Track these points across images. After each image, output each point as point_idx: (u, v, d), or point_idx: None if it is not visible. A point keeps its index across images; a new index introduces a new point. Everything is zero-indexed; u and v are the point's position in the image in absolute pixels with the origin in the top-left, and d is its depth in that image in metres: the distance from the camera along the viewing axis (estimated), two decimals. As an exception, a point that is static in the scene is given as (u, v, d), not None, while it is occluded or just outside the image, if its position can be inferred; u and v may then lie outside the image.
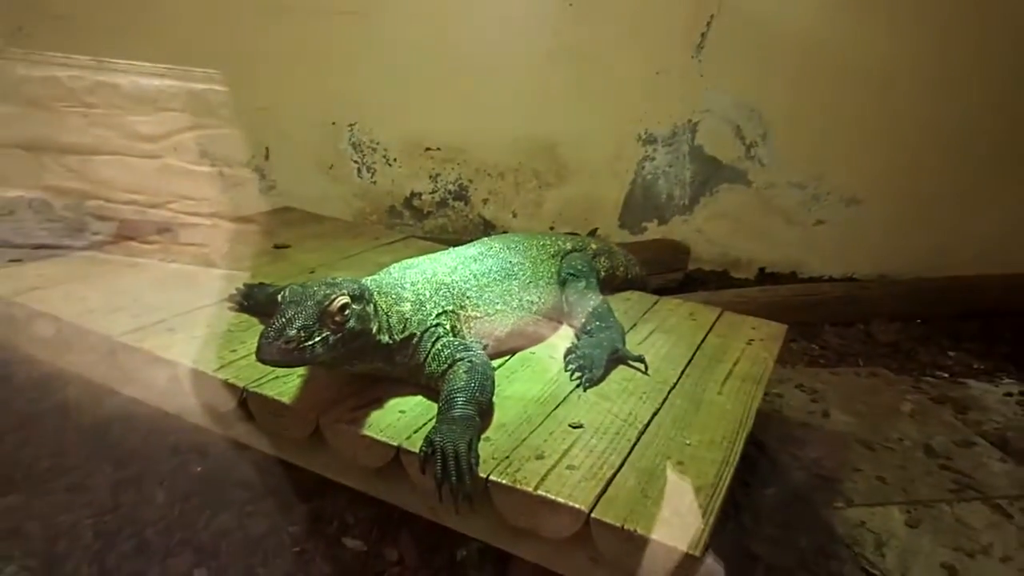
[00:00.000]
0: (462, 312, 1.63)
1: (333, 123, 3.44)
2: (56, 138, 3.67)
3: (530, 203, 3.68)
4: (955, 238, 3.83)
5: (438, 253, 1.84)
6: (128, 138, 3.64)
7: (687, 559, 1.13)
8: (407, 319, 1.50)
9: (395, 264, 1.71)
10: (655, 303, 2.23)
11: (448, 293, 1.62)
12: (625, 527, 1.18)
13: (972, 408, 2.66)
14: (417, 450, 1.31)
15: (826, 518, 1.98)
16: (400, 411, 1.46)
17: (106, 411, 1.94)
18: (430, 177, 3.59)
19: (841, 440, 2.37)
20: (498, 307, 1.71)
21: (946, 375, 2.94)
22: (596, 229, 3.71)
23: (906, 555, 1.85)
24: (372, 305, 1.39)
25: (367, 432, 1.38)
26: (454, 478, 1.26)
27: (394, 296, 1.52)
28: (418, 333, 1.51)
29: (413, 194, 3.62)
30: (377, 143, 3.51)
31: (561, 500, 1.23)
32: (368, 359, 1.42)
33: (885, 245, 3.85)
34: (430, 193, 3.63)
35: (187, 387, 1.58)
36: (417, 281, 1.60)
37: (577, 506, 1.21)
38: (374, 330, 1.38)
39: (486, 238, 2.02)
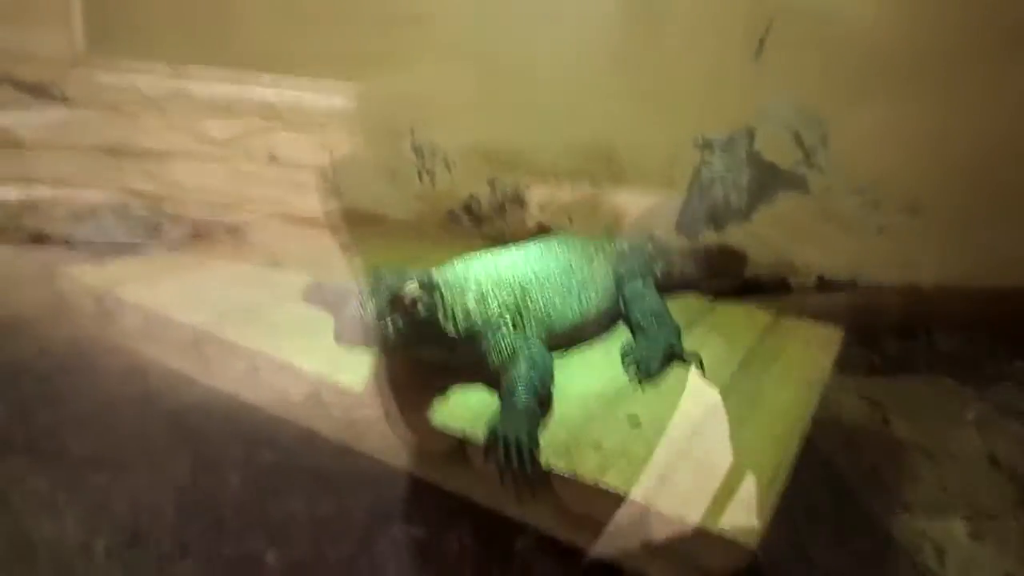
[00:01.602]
0: (523, 307, 1.69)
1: (395, 128, 3.54)
2: (134, 142, 3.87)
3: (586, 207, 3.72)
4: (1021, 245, 3.72)
5: (501, 250, 1.90)
6: (201, 142, 3.82)
7: (741, 551, 1.16)
8: (470, 312, 1.56)
9: (460, 260, 1.77)
10: (711, 305, 2.25)
11: (510, 288, 1.68)
12: (684, 519, 1.22)
13: (1040, 419, 2.60)
14: (481, 439, 1.37)
15: (884, 525, 1.96)
16: (464, 400, 1.52)
17: (186, 398, 2.04)
18: (488, 182, 3.66)
19: (901, 448, 2.34)
20: (557, 304, 1.76)
21: (1011, 384, 2.86)
22: (653, 233, 3.73)
23: (968, 565, 1.83)
24: (440, 296, 1.46)
25: (432, 420, 1.44)
26: (516, 466, 1.31)
27: (459, 290, 1.58)
28: (481, 326, 1.57)
29: (472, 198, 3.69)
30: (437, 148, 3.60)
31: (620, 490, 1.27)
32: (434, 347, 1.48)
33: (948, 252, 3.76)
34: (488, 198, 3.70)
35: (264, 376, 1.67)
36: (480, 276, 1.66)
37: (635, 498, 1.25)
38: (440, 320, 1.44)
39: (547, 237, 2.07)
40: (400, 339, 1.36)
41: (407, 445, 1.49)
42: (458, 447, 1.42)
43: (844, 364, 2.82)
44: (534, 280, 1.74)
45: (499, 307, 1.61)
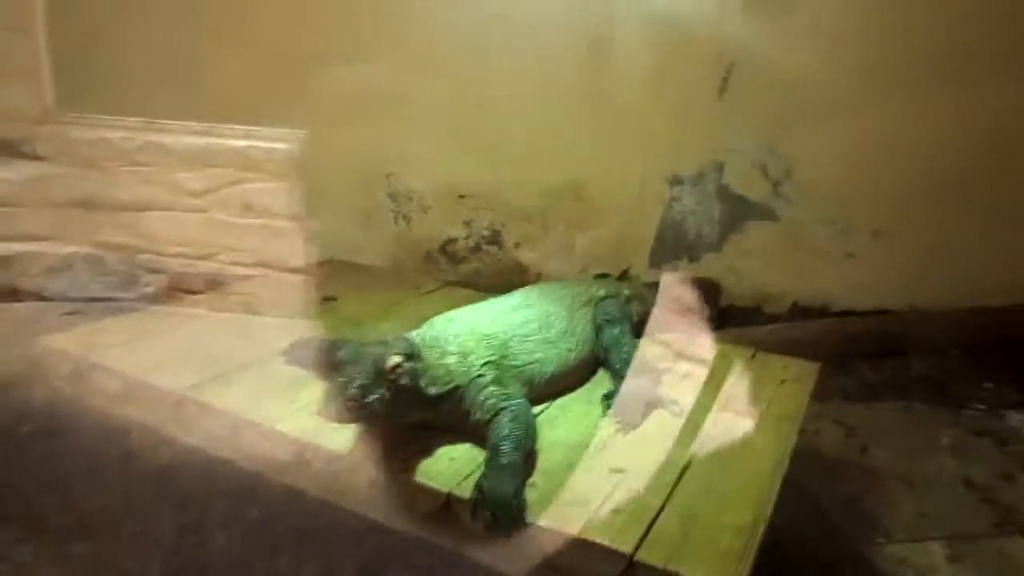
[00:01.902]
0: (504, 362, 1.71)
1: (370, 174, 3.59)
2: (109, 196, 3.87)
3: (561, 245, 3.77)
4: (986, 267, 3.83)
5: (479, 304, 1.93)
6: (176, 194, 3.82)
7: (728, 599, 1.19)
8: (452, 371, 1.58)
9: (439, 317, 1.80)
10: (687, 345, 2.29)
11: (490, 344, 1.71)
12: (668, 568, 1.24)
13: (1012, 440, 2.66)
14: (467, 496, 1.39)
15: (867, 555, 2.01)
16: (450, 458, 1.54)
17: (168, 459, 2.03)
18: (464, 223, 3.71)
19: (880, 476, 2.39)
20: (538, 356, 1.79)
21: (983, 407, 2.94)
22: (628, 269, 3.79)
23: (949, 591, 1.87)
24: (421, 361, 1.48)
25: (419, 479, 1.46)
26: (504, 523, 1.33)
27: (439, 350, 1.61)
28: (463, 384, 1.59)
29: (448, 240, 3.73)
30: (413, 192, 3.65)
31: (606, 543, 1.29)
32: (418, 410, 1.50)
33: (916, 276, 3.86)
34: (464, 239, 3.74)
35: (247, 437, 1.68)
36: (460, 333, 1.69)
37: (621, 549, 1.28)
38: (423, 385, 1.47)
39: (524, 288, 2.11)
40: (385, 409, 1.38)
41: (394, 505, 1.50)
42: (445, 504, 1.44)
43: (821, 392, 2.87)
44: (514, 333, 1.78)
45: (480, 364, 1.64)
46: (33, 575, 1.80)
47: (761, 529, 1.37)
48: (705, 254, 3.88)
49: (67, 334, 2.16)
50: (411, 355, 1.44)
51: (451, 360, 1.60)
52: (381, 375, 1.36)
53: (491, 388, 1.61)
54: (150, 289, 3.84)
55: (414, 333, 1.66)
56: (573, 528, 1.33)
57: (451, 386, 1.57)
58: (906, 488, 2.34)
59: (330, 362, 1.83)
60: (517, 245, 3.79)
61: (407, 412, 1.47)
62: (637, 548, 1.29)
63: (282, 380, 1.87)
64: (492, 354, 1.69)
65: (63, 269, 3.80)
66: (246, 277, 3.73)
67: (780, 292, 3.92)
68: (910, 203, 3.72)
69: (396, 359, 1.38)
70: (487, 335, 1.73)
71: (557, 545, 1.34)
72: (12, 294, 3.64)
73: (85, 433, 2.14)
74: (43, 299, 3.69)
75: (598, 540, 1.30)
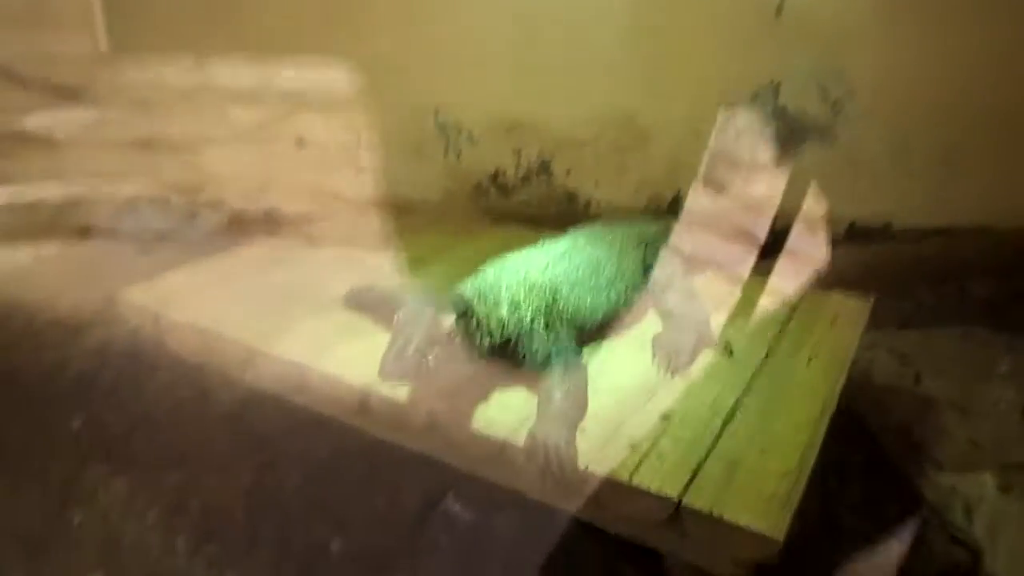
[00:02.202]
0: (554, 310, 1.76)
1: (420, 106, 3.59)
2: (165, 135, 3.98)
3: (612, 172, 3.74)
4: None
5: (529, 250, 1.97)
6: (230, 130, 3.92)
7: (768, 544, 1.26)
8: (505, 322, 1.64)
9: (490, 266, 1.85)
10: (737, 284, 2.30)
11: (541, 292, 1.75)
12: (713, 513, 1.31)
13: (1073, 366, 2.62)
14: (520, 443, 1.47)
15: (915, 484, 2.04)
16: (504, 405, 1.62)
17: (241, 401, 2.18)
18: (513, 153, 3.70)
19: (932, 404, 2.40)
20: (588, 302, 1.83)
21: (1046, 332, 2.88)
22: (679, 192, 3.75)
23: (996, 521, 1.90)
24: (474, 317, 1.54)
25: (475, 426, 1.55)
26: (555, 469, 1.41)
27: (492, 301, 1.66)
28: (514, 333, 1.65)
29: (498, 171, 3.74)
30: (462, 124, 3.65)
31: (653, 489, 1.36)
32: (473, 363, 1.57)
33: (980, 196, 3.72)
34: (514, 169, 3.74)
35: (314, 384, 1.79)
36: (512, 283, 1.74)
37: (668, 494, 1.35)
38: (476, 340, 1.53)
39: (572, 232, 2.13)
40: (441, 366, 1.45)
41: (451, 450, 1.60)
42: (501, 449, 1.52)
43: (877, 319, 2.85)
44: (564, 281, 1.81)
45: (532, 312, 1.69)
46: (130, 505, 1.98)
47: (806, 474, 1.41)
48: (760, 175, 3.80)
49: (141, 284, 2.28)
50: (463, 314, 1.50)
51: (503, 311, 1.65)
52: (437, 336, 1.43)
53: (543, 338, 1.66)
54: (212, 225, 4.00)
55: (467, 284, 1.72)
56: (622, 474, 1.40)
57: (503, 336, 1.63)
58: (959, 417, 2.34)
59: (387, 310, 1.92)
60: (567, 173, 3.77)
61: (463, 362, 1.54)
62: (683, 493, 1.36)
63: (344, 327, 1.96)
64: (543, 303, 1.74)
65: (129, 209, 3.96)
66: (303, 211, 3.84)
67: (838, 213, 3.84)
68: (976, 122, 3.54)
69: (451, 320, 1.44)
70: (538, 284, 1.77)
71: (607, 490, 1.41)
72: (83, 233, 3.84)
73: (163, 376, 2.30)
74: (112, 238, 3.89)
75: (645, 486, 1.37)
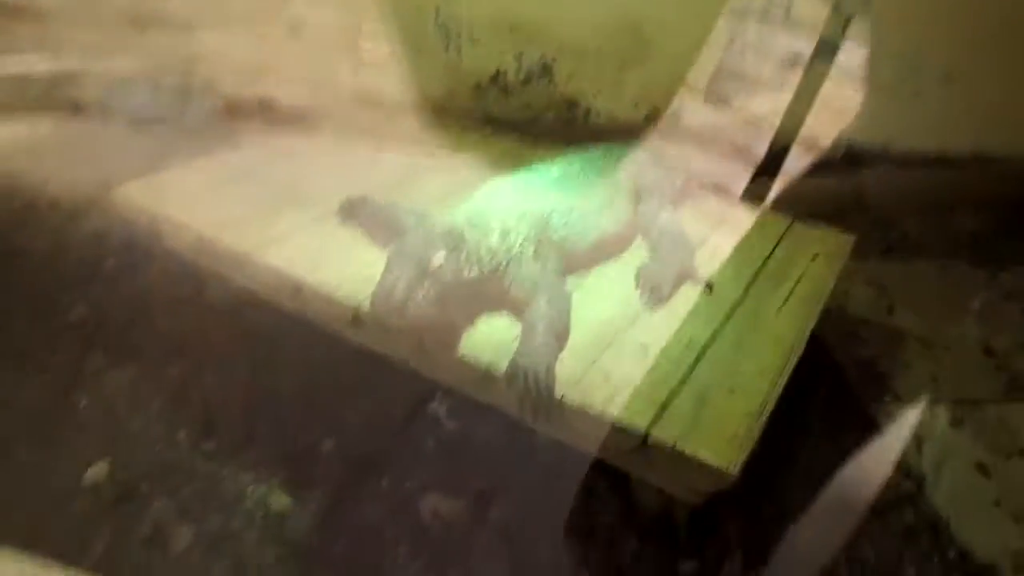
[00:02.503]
0: (544, 237, 1.81)
1: (420, 5, 3.48)
2: (159, 11, 3.87)
3: (612, 82, 3.68)
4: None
5: (523, 173, 2.00)
6: (226, 12, 3.81)
7: (723, 477, 1.37)
8: (494, 250, 1.69)
9: (483, 190, 1.88)
10: (728, 210, 2.34)
11: (531, 219, 1.80)
12: (676, 447, 1.42)
13: (1043, 306, 2.71)
14: (503, 370, 1.56)
15: (872, 414, 2.17)
16: (489, 331, 1.70)
17: (239, 302, 2.24)
18: (514, 56, 3.62)
19: (901, 338, 2.50)
20: (577, 229, 1.88)
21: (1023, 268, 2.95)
22: (678, 108, 3.70)
23: (943, 454, 2.04)
24: (464, 250, 1.59)
25: (461, 351, 1.64)
26: (534, 397, 1.51)
27: (483, 228, 1.71)
28: (504, 262, 1.71)
29: (499, 72, 3.67)
30: (463, 23, 3.54)
31: (624, 422, 1.47)
32: (462, 292, 1.64)
33: (983, 120, 3.70)
34: (515, 72, 3.67)
35: (308, 297, 1.85)
36: (503, 210, 1.78)
37: (637, 427, 1.46)
38: (465, 272, 1.59)
39: (566, 156, 2.15)
40: (431, 300, 1.51)
41: (438, 369, 1.70)
42: (484, 373, 1.62)
43: (860, 247, 2.91)
44: (555, 208, 1.85)
45: (521, 240, 1.74)
46: (133, 396, 2.09)
47: (767, 415, 1.52)
48: (763, 91, 3.76)
49: (137, 182, 2.30)
50: (454, 248, 1.55)
51: (494, 239, 1.71)
52: (425, 273, 1.48)
53: (530, 266, 1.73)
54: (206, 106, 3.96)
55: (459, 210, 1.76)
56: (596, 405, 1.50)
57: (493, 264, 1.69)
58: (924, 350, 2.45)
59: (380, 225, 1.97)
60: (568, 80, 3.71)
61: (452, 297, 1.60)
62: (651, 426, 1.46)
63: (338, 241, 2.01)
64: (532, 230, 1.79)
65: (121, 88, 3.90)
66: (299, 101, 3.80)
67: (838, 133, 3.82)
68: (984, 45, 3.48)
69: (439, 258, 1.50)
70: (528, 211, 1.81)
71: (580, 418, 1.52)
72: (76, 110, 3.80)
73: (160, 268, 2.36)
74: (104, 116, 3.85)
75: (616, 418, 1.47)
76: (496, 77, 3.68)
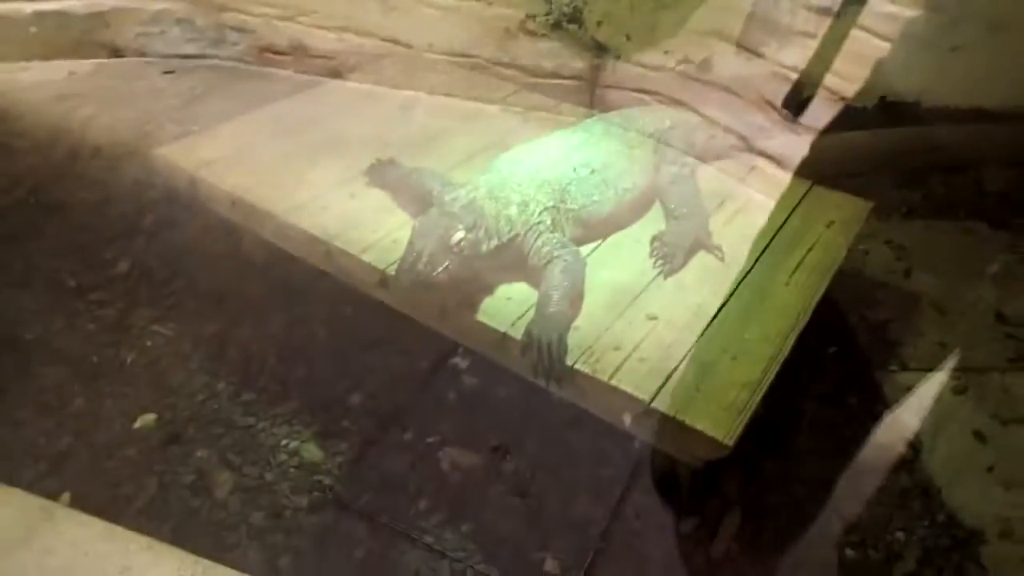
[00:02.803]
0: (562, 206, 1.88)
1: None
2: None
3: (644, 26, 3.65)
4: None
5: (543, 140, 2.05)
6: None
7: (719, 447, 1.47)
8: (513, 220, 1.77)
9: (503, 158, 1.95)
10: (749, 172, 2.37)
11: (550, 189, 1.86)
12: (676, 416, 1.52)
13: (1063, 271, 2.71)
14: (518, 336, 1.66)
15: (878, 380, 2.24)
16: (507, 298, 1.79)
17: (274, 261, 2.35)
18: (544, 0, 3.61)
19: (915, 303, 2.54)
20: (595, 198, 1.94)
21: (1048, 231, 2.93)
22: (710, 57, 3.67)
23: (943, 420, 2.12)
24: (483, 226, 1.67)
25: (480, 317, 1.74)
26: (547, 364, 1.61)
27: (503, 199, 1.78)
28: (522, 232, 1.79)
29: (528, 16, 3.66)
30: (492, -35, 3.52)
31: (628, 390, 1.57)
32: (481, 263, 1.72)
33: (1021, 75, 3.60)
34: (544, 15, 3.66)
35: (339, 260, 1.96)
36: (523, 180, 1.85)
37: (640, 396, 1.55)
38: (484, 246, 1.67)
39: (588, 121, 2.19)
40: (451, 273, 1.60)
41: (460, 334, 1.80)
42: (502, 339, 1.72)
43: (882, 207, 2.92)
44: (574, 177, 1.91)
45: (540, 211, 1.81)
46: (176, 349, 2.24)
47: (767, 384, 1.60)
48: (796, 39, 3.69)
49: (176, 145, 2.39)
50: (472, 225, 1.63)
51: (512, 210, 1.78)
52: (447, 249, 1.57)
53: (547, 235, 1.80)
54: (239, 48, 4.03)
55: (481, 180, 1.83)
56: (604, 373, 1.60)
57: (511, 234, 1.77)
58: (937, 316, 2.49)
59: (406, 190, 2.05)
60: (599, 24, 3.68)
61: (471, 267, 1.69)
62: (655, 396, 1.56)
63: (366, 204, 2.09)
64: (551, 199, 1.86)
65: (157, 27, 3.98)
66: (329, 46, 3.85)
67: (871, 84, 3.76)
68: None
69: (460, 234, 1.58)
70: (547, 180, 1.87)
71: (590, 385, 1.62)
72: (114, 51, 3.89)
73: (198, 224, 2.47)
74: (142, 55, 3.94)
75: (623, 386, 1.57)
76: (524, 22, 3.67)
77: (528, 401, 2.02)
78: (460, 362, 2.19)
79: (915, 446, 2.01)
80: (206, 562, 1.41)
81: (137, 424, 1.98)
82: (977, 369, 2.29)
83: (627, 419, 1.62)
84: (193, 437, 1.96)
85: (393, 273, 1.68)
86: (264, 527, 1.77)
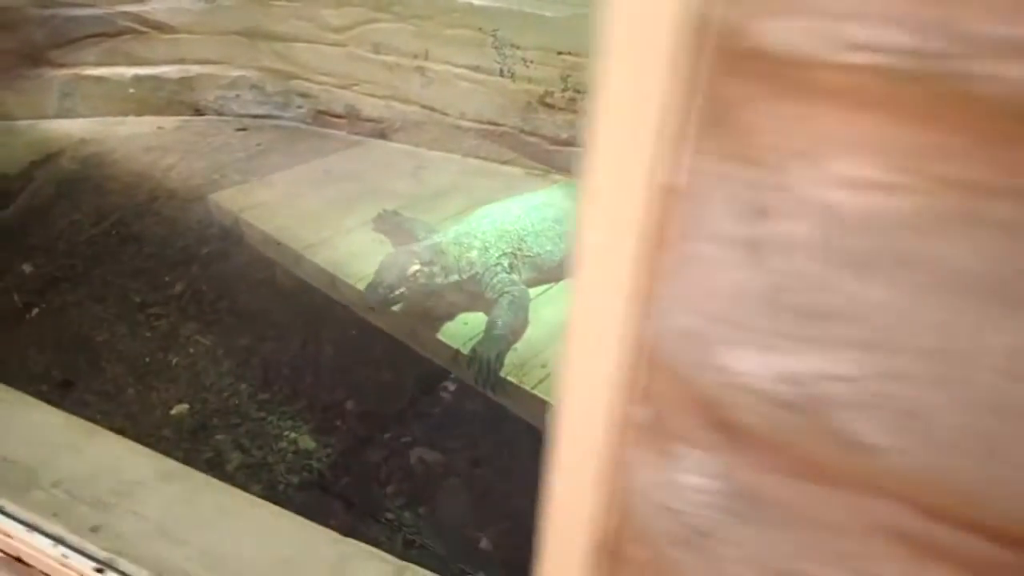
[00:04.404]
0: (519, 252, 2.30)
1: (479, 29, 4.02)
2: (266, 27, 4.60)
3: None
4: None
5: (511, 200, 2.49)
6: (321, 29, 4.50)
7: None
8: (473, 262, 2.20)
9: (475, 213, 2.39)
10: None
11: (509, 239, 2.29)
12: (580, 421, 1.89)
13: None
14: (466, 354, 2.07)
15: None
16: (464, 323, 2.21)
17: (295, 290, 2.84)
18: (561, 78, 4.10)
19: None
20: (548, 247, 2.35)
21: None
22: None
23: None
24: (439, 264, 2.11)
25: (439, 336, 2.16)
26: (487, 377, 2.01)
27: (466, 244, 2.21)
28: (481, 271, 2.21)
29: (546, 92, 4.15)
30: (517, 47, 4.06)
31: (548, 399, 1.95)
32: (446, 293, 2.15)
33: None
34: (561, 92, 4.15)
35: (342, 289, 2.42)
36: (487, 229, 2.28)
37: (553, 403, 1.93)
38: (439, 280, 2.10)
39: (555, 186, 2.62)
40: (413, 297, 2.03)
41: (429, 349, 2.23)
42: (455, 355, 2.13)
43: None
44: (531, 230, 2.33)
45: (498, 255, 2.24)
46: (212, 356, 2.74)
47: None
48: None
49: (232, 190, 2.94)
50: (430, 262, 2.07)
51: (473, 253, 2.21)
52: (404, 278, 2.01)
53: (503, 276, 2.22)
54: (302, 111, 4.69)
55: (451, 231, 2.27)
56: (528, 385, 1.99)
57: (471, 272, 2.20)
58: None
59: (402, 235, 2.51)
60: (608, 101, 4.14)
61: (432, 296, 2.12)
62: (567, 405, 1.93)
63: (367, 245, 2.57)
64: (509, 246, 2.28)
65: (233, 91, 4.67)
66: (377, 113, 4.44)
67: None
68: None
69: (416, 267, 2.02)
70: (508, 230, 2.30)
71: (520, 395, 2.01)
72: (196, 110, 4.59)
73: (244, 258, 2.99)
74: (220, 115, 4.64)
75: (540, 395, 1.96)
76: (543, 97, 4.17)
77: (491, 412, 2.41)
78: (444, 382, 2.60)
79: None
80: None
81: (173, 411, 2.46)
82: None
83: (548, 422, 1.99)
84: (216, 424, 2.43)
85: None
86: (260, 497, 2.20)
